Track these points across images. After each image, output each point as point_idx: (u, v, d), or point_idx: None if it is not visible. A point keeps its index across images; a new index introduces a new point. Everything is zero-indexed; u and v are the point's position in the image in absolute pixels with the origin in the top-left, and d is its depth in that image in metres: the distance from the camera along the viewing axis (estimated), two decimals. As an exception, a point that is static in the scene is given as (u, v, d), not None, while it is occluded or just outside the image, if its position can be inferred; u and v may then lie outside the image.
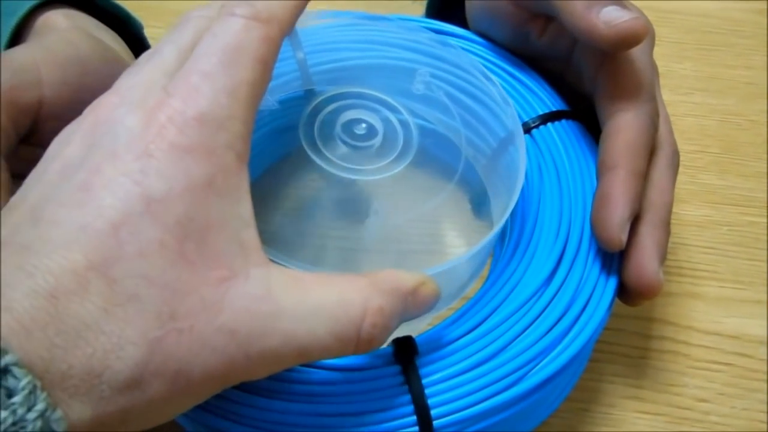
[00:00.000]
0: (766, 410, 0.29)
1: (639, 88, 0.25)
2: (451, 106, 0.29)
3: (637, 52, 0.26)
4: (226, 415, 0.22)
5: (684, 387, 0.30)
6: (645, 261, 0.25)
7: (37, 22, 0.29)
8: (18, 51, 0.26)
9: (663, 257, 0.25)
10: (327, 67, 0.31)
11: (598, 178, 0.26)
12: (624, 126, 0.25)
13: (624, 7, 0.24)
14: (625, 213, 0.24)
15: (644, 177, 0.25)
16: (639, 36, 0.24)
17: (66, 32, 0.27)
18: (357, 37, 0.31)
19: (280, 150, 0.28)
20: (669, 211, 0.25)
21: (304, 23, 0.29)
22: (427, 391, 0.23)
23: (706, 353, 0.30)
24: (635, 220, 0.25)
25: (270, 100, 0.28)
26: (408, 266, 0.23)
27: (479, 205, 0.31)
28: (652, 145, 0.26)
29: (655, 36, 0.28)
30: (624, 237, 0.24)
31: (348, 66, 0.31)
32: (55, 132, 0.20)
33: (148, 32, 0.34)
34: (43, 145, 0.23)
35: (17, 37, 0.29)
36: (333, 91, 0.28)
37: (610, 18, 0.24)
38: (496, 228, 0.24)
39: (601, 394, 0.29)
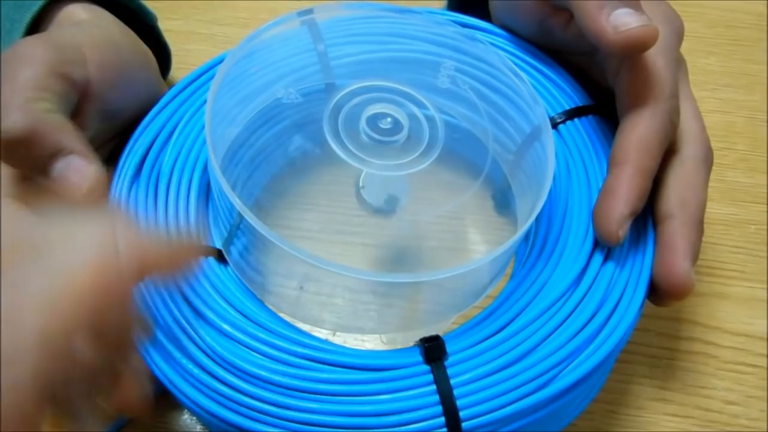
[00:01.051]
0: (797, 413, 0.28)
1: (658, 85, 0.25)
2: (477, 101, 0.28)
3: (660, 48, 0.25)
4: (253, 415, 0.22)
5: (713, 389, 0.29)
6: (677, 260, 0.24)
7: (59, 14, 0.29)
8: (62, 32, 0.26)
9: (695, 257, 0.25)
10: (350, 60, 0.30)
11: (606, 173, 0.25)
12: (638, 123, 0.24)
13: (636, 10, 0.24)
14: (627, 209, 0.24)
15: (653, 175, 0.24)
16: (646, 44, 0.23)
17: (97, 20, 0.27)
18: (381, 29, 0.31)
19: (302, 143, 0.27)
20: (702, 211, 0.25)
21: (325, 15, 0.29)
22: (455, 392, 0.22)
23: (735, 355, 0.30)
24: (667, 219, 0.25)
25: (293, 93, 0.28)
26: (432, 263, 0.23)
27: (502, 201, 0.31)
28: (668, 144, 0.25)
29: (683, 31, 0.27)
30: (622, 233, 0.24)
31: (371, 59, 0.30)
32: (96, 115, 0.20)
33: (164, 24, 0.34)
34: (84, 127, 0.23)
35: (34, 29, 0.29)
36: (357, 84, 0.28)
37: (620, 23, 0.23)
38: (524, 227, 0.23)
39: (629, 395, 0.29)
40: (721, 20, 0.41)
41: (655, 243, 0.25)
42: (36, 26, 0.30)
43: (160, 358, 0.23)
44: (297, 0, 0.43)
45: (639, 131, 0.24)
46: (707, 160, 0.26)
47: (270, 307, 0.25)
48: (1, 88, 0.23)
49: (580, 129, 0.28)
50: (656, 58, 0.25)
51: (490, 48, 0.28)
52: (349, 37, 0.30)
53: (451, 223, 0.30)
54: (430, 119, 0.27)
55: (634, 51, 0.24)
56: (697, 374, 0.29)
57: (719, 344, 0.30)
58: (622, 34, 0.23)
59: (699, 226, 0.25)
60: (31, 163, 0.23)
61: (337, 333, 0.29)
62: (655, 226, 0.26)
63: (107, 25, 0.28)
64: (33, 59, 0.24)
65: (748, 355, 0.30)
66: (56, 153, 0.23)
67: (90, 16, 0.29)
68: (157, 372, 0.23)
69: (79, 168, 0.24)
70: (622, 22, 0.23)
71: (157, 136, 0.28)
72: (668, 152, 0.26)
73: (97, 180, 0.24)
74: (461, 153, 0.29)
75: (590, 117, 0.29)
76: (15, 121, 0.22)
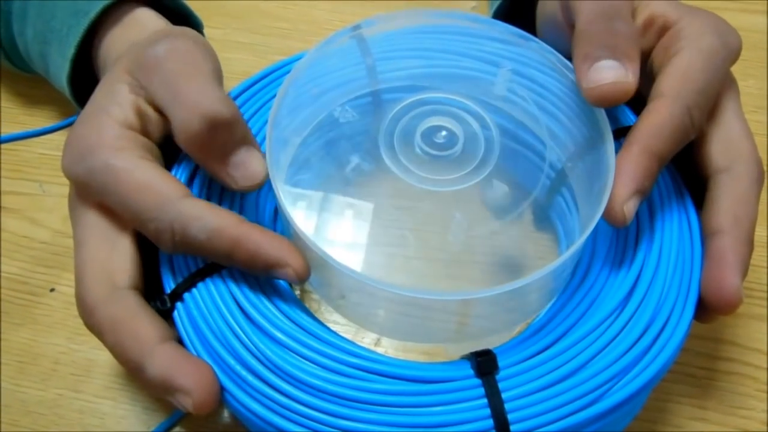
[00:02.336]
0: (836, 438, 0.28)
1: (687, 81, 0.25)
2: (534, 109, 0.28)
3: (702, 53, 0.25)
4: (306, 423, 0.22)
5: (752, 410, 0.29)
6: (727, 275, 0.24)
7: (125, 18, 0.30)
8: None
9: (745, 273, 0.25)
10: (400, 74, 0.30)
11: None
12: (654, 109, 0.25)
13: (621, 62, 0.24)
14: (630, 187, 0.23)
15: (662, 161, 0.24)
16: (614, 101, 0.24)
17: (195, 36, 0.27)
18: (430, 44, 0.31)
19: (359, 162, 0.28)
20: (753, 227, 0.25)
21: (375, 30, 0.29)
22: (506, 406, 0.22)
23: (774, 377, 0.30)
24: (718, 233, 0.25)
25: (348, 111, 0.28)
26: (491, 279, 0.23)
27: (540, 216, 0.31)
28: (685, 140, 0.25)
29: (736, 48, 0.27)
30: (627, 213, 0.23)
31: (420, 74, 0.30)
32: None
33: (206, 32, 0.35)
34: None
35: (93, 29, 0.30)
36: (410, 98, 0.28)
37: (596, 78, 0.24)
38: (581, 239, 0.23)
39: (668, 414, 0.29)
40: (758, 43, 0.41)
41: (704, 257, 0.25)
42: (94, 30, 0.30)
43: (215, 364, 0.23)
44: (335, 11, 0.44)
45: (652, 116, 0.24)
46: (759, 178, 0.26)
47: (317, 315, 0.25)
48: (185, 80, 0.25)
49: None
50: (694, 60, 0.25)
51: (549, 51, 0.28)
52: (399, 51, 0.31)
53: (497, 238, 0.30)
54: (486, 130, 0.27)
55: (603, 105, 0.25)
56: (735, 395, 0.29)
57: (758, 365, 0.30)
58: (594, 90, 0.24)
59: (750, 242, 0.25)
60: (219, 148, 0.25)
61: (382, 340, 0.30)
62: (704, 241, 0.26)
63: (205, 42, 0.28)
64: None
65: (787, 377, 0.30)
66: (242, 142, 0.25)
67: (160, 23, 0.30)
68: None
69: (259, 158, 0.25)
70: (598, 78, 0.24)
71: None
72: (719, 170, 0.26)
73: (266, 174, 0.25)
74: (513, 167, 0.30)
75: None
76: (220, 106, 0.24)
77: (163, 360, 0.23)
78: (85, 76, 0.33)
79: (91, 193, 0.25)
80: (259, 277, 0.25)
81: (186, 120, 0.24)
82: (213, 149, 0.25)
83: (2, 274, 0.33)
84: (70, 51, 0.31)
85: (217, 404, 0.23)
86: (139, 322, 0.23)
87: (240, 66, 0.40)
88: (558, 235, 0.31)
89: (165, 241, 0.24)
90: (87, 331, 0.24)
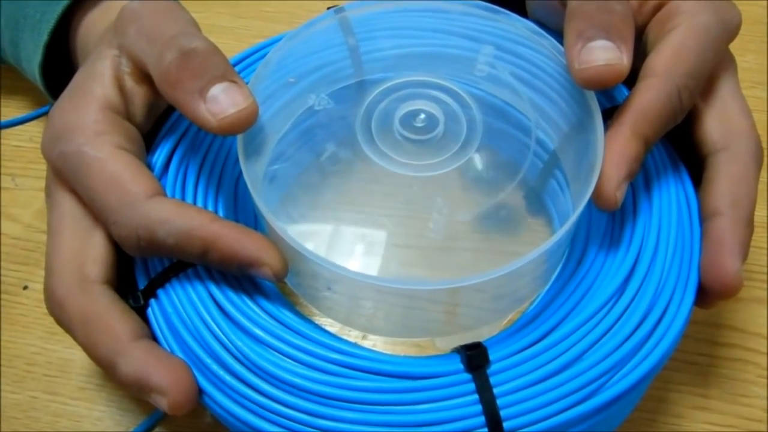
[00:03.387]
0: (842, 424, 0.27)
1: (678, 61, 0.24)
2: (519, 87, 0.27)
3: (696, 31, 0.24)
4: (287, 424, 0.21)
5: (754, 398, 0.28)
6: (726, 259, 0.23)
7: (103, 1, 0.28)
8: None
9: (745, 256, 0.24)
10: (381, 55, 0.29)
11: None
12: (645, 87, 0.24)
13: (615, 42, 0.23)
14: (622, 170, 0.22)
15: (647, 143, 0.23)
16: (605, 83, 0.23)
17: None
18: (414, 23, 0.29)
19: (335, 150, 0.26)
20: (753, 208, 0.24)
21: (356, 11, 0.28)
22: (498, 402, 0.21)
23: (776, 362, 0.29)
24: (716, 216, 0.24)
25: (324, 99, 0.27)
26: (479, 265, 0.22)
27: (534, 201, 0.30)
28: (673, 122, 0.24)
29: (735, 26, 0.26)
30: (619, 196, 0.22)
31: (403, 54, 0.29)
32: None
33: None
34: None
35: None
36: (388, 83, 0.27)
37: (587, 59, 0.23)
38: (568, 223, 0.22)
39: (669, 404, 0.28)
40: (757, 17, 0.40)
41: (703, 240, 0.24)
42: (71, 15, 0.29)
43: (191, 363, 0.22)
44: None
45: (642, 96, 0.23)
46: (758, 157, 0.25)
47: (299, 309, 0.24)
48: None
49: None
50: (687, 38, 0.24)
51: (535, 30, 0.26)
52: (380, 30, 0.29)
53: (484, 223, 0.29)
54: (466, 110, 0.26)
55: (593, 87, 0.23)
56: (737, 381, 0.28)
57: (759, 350, 0.29)
58: (585, 72, 0.23)
59: (749, 224, 0.24)
60: (196, 80, 0.22)
61: (368, 336, 0.28)
62: (702, 222, 0.25)
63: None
64: None
65: (790, 362, 0.29)
66: (223, 76, 0.22)
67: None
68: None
69: (243, 91, 0.22)
70: (590, 58, 0.23)
71: (183, 135, 0.26)
72: (717, 149, 0.25)
73: (248, 113, 0.22)
74: (499, 148, 0.28)
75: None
76: (194, 37, 0.23)
77: (137, 358, 0.22)
78: (59, 66, 0.31)
79: (64, 179, 0.24)
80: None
81: (160, 53, 0.23)
82: (189, 81, 0.22)
83: (-27, 272, 0.32)
84: (43, 38, 0.29)
85: (194, 404, 0.22)
86: (111, 317, 0.22)
87: (224, 51, 0.38)
88: (552, 219, 0.30)
89: (129, 246, 0.22)
90: (62, 330, 0.23)
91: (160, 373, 0.21)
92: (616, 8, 0.24)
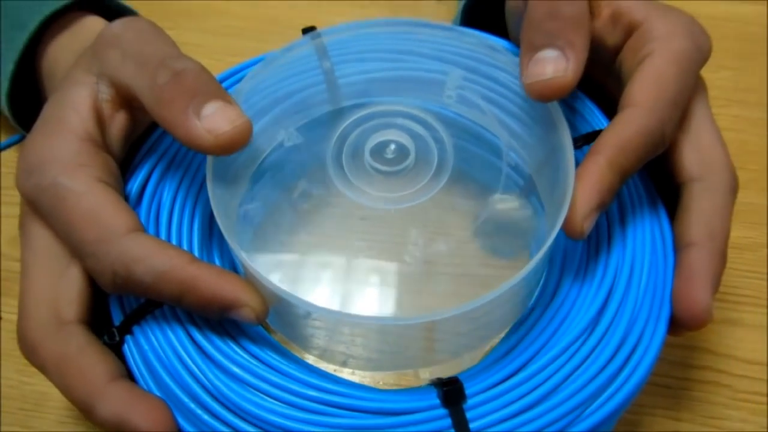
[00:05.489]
0: (812, 445, 0.28)
1: (659, 91, 0.24)
2: (488, 111, 0.27)
3: (676, 57, 0.24)
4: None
5: (726, 420, 0.29)
6: (697, 292, 0.23)
7: (73, 26, 0.28)
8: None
9: (716, 289, 0.24)
10: (353, 79, 0.29)
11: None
12: (626, 119, 0.24)
13: (563, 51, 0.23)
14: (593, 202, 0.22)
15: (625, 175, 0.23)
16: (552, 97, 0.23)
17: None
18: (387, 46, 0.29)
19: (307, 187, 0.26)
20: (727, 241, 0.24)
21: (332, 36, 0.28)
22: (475, 437, 0.21)
23: (749, 384, 0.29)
24: (690, 247, 0.24)
25: (293, 134, 0.26)
26: (456, 295, 0.22)
27: (508, 228, 0.30)
28: (653, 153, 0.24)
29: (707, 50, 0.26)
30: (586, 227, 0.23)
31: (375, 78, 0.29)
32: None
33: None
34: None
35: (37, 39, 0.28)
36: (358, 112, 0.27)
37: (536, 71, 0.23)
38: (542, 250, 0.22)
39: (641, 426, 0.28)
40: (732, 33, 0.40)
41: (676, 269, 0.25)
42: (38, 41, 0.29)
43: (168, 402, 0.22)
44: (293, 8, 0.42)
45: (624, 128, 0.23)
46: (734, 188, 0.25)
47: (278, 341, 0.24)
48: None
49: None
50: (667, 66, 0.24)
51: (510, 57, 0.26)
52: (354, 54, 0.29)
53: (464, 248, 0.29)
54: (437, 139, 0.26)
55: (544, 101, 0.24)
56: (710, 404, 0.29)
57: (731, 373, 0.30)
58: (532, 86, 0.23)
59: (723, 256, 0.24)
60: (189, 98, 0.22)
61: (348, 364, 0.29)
62: (676, 252, 0.25)
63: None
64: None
65: (762, 384, 0.29)
66: (215, 95, 0.22)
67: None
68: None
69: (236, 109, 0.22)
70: (537, 72, 0.23)
71: (157, 162, 0.26)
72: (692, 178, 0.25)
73: (243, 129, 0.22)
74: (473, 173, 0.28)
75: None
76: (184, 58, 0.23)
77: (115, 400, 0.21)
78: (27, 94, 0.31)
79: (39, 213, 0.23)
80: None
81: (152, 75, 0.22)
82: (183, 100, 0.22)
83: (-55, 302, 0.31)
84: (9, 67, 0.29)
85: None
86: (86, 359, 0.22)
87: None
88: (528, 244, 0.30)
89: (105, 282, 0.22)
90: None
91: (140, 413, 0.21)
92: (565, 11, 0.24)
